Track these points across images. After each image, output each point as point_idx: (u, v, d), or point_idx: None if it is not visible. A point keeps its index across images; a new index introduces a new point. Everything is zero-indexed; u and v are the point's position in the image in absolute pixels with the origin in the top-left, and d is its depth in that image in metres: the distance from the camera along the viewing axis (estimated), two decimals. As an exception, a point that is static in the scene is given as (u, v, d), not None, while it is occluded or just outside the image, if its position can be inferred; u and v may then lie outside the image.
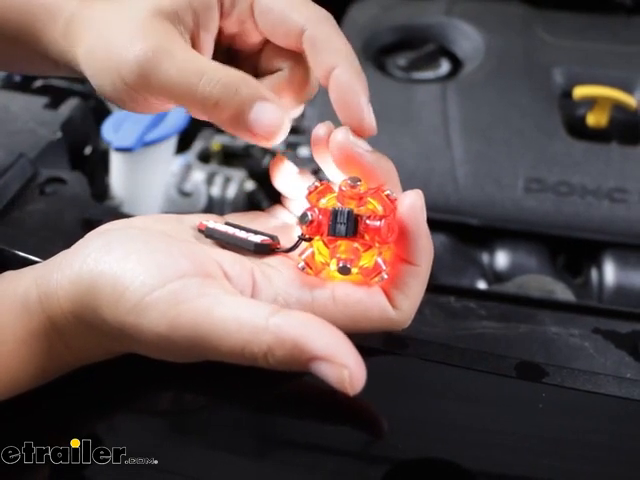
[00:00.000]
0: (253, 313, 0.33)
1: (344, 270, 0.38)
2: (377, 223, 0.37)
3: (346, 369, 0.32)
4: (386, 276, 0.38)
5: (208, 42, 0.43)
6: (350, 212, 0.37)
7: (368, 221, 0.37)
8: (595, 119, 0.87)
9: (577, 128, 0.87)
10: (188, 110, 0.41)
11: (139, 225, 0.39)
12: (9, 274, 0.40)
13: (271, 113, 0.38)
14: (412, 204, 0.37)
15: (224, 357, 0.34)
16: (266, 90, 0.39)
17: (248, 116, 0.38)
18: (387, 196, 0.38)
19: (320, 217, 0.38)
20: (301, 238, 0.39)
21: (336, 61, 0.39)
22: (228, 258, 0.38)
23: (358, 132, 0.39)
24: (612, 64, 0.94)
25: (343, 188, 0.38)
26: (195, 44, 0.42)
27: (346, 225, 0.37)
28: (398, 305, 0.38)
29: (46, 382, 0.39)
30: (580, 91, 0.85)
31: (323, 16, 0.41)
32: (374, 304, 0.38)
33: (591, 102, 0.87)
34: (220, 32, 0.44)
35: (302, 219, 0.38)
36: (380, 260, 0.38)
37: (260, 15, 0.42)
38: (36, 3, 0.45)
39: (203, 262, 0.37)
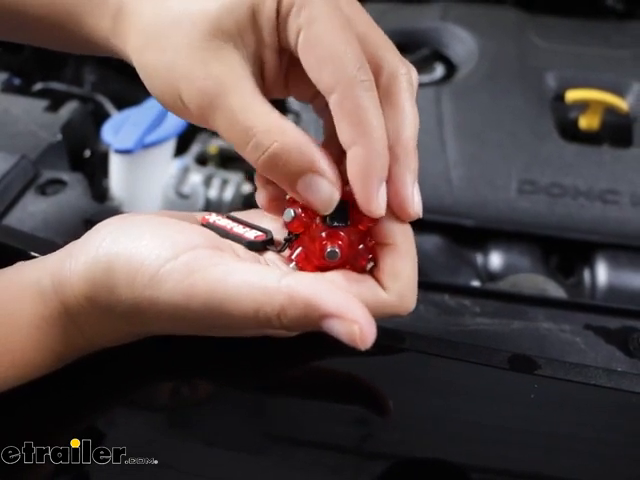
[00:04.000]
0: (265, 276, 0.34)
1: (332, 254, 0.38)
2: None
3: (356, 324, 0.33)
4: (372, 263, 0.39)
5: (272, 59, 0.39)
6: (347, 203, 0.38)
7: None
8: (587, 122, 0.88)
9: (569, 131, 0.88)
10: None
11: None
12: (20, 264, 0.41)
13: (320, 188, 0.37)
14: None
15: (239, 322, 0.35)
16: (322, 158, 0.36)
17: (295, 186, 0.37)
18: None
19: (302, 214, 0.39)
20: (287, 239, 0.40)
21: (354, 138, 0.36)
22: (237, 245, 0.40)
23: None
24: (604, 68, 0.94)
25: None
26: (259, 63, 0.39)
27: (341, 214, 0.38)
28: (388, 286, 0.38)
29: (61, 367, 0.40)
30: (572, 94, 0.86)
31: (357, 79, 0.35)
32: (365, 288, 0.38)
33: (583, 105, 0.88)
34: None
35: (286, 216, 0.39)
36: (363, 247, 0.39)
37: (304, 49, 0.36)
38: None
39: (214, 238, 0.38)
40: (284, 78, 0.41)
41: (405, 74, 0.38)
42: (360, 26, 0.38)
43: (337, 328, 0.33)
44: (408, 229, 0.39)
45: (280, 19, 0.37)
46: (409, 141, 0.38)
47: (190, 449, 0.39)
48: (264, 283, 0.34)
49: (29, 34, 0.49)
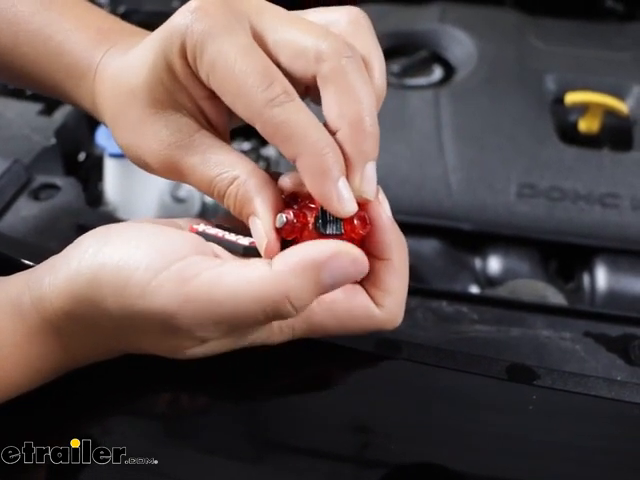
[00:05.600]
0: (255, 267, 0.35)
1: None
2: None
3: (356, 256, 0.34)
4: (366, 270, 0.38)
5: (212, 105, 0.41)
6: None
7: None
8: (587, 125, 0.88)
9: (569, 134, 0.87)
10: None
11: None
12: (1, 279, 0.40)
13: (257, 231, 0.38)
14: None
15: (241, 321, 0.35)
16: (261, 201, 0.38)
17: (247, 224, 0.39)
18: None
19: (295, 220, 0.38)
20: (284, 245, 0.40)
21: (291, 154, 0.36)
22: (219, 248, 0.39)
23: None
24: (604, 70, 0.94)
25: None
26: (200, 112, 0.41)
27: (335, 223, 0.37)
28: (380, 302, 0.39)
29: (43, 384, 0.40)
30: (572, 97, 0.86)
31: (266, 103, 0.36)
32: (357, 302, 0.38)
33: (583, 108, 0.87)
34: None
35: (278, 221, 0.38)
36: None
37: (219, 92, 0.38)
38: (64, 62, 0.46)
39: (199, 243, 0.38)
40: None
41: (331, 55, 0.37)
42: (275, 33, 0.38)
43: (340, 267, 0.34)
44: (404, 244, 0.39)
45: (194, 71, 0.38)
46: (349, 127, 0.37)
47: (190, 450, 0.39)
48: (258, 273, 0.34)
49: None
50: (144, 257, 0.35)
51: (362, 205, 0.38)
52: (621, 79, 0.92)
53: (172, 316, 0.35)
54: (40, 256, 0.41)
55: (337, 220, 0.37)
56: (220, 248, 0.39)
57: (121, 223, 0.40)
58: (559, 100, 0.90)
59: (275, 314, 0.34)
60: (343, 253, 0.34)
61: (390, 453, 0.39)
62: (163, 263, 0.35)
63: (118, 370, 0.41)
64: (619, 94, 0.89)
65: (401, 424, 0.41)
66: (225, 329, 0.36)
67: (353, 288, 0.39)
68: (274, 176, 0.41)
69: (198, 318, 0.35)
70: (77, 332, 0.38)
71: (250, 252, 0.40)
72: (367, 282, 0.39)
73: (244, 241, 0.40)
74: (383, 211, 0.38)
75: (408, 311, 0.40)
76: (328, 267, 0.34)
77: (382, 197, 0.38)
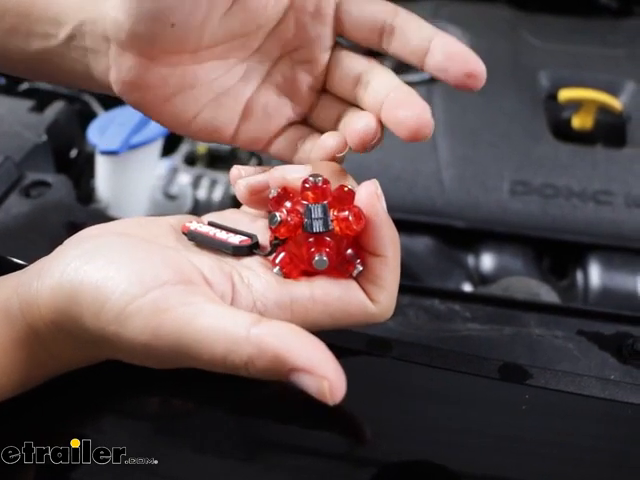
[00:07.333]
0: (234, 323, 0.33)
1: (320, 263, 0.37)
2: (345, 213, 0.37)
3: (326, 380, 0.32)
4: (361, 267, 0.38)
5: None
6: (325, 207, 0.37)
7: (337, 212, 0.37)
8: (580, 122, 0.88)
9: (562, 131, 0.87)
10: None
11: (118, 230, 0.39)
12: None
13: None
14: (368, 194, 0.37)
15: (206, 365, 0.34)
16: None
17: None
18: (349, 191, 0.39)
19: (289, 218, 0.38)
20: (275, 244, 0.39)
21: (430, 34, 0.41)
22: (208, 263, 0.38)
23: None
24: (598, 67, 0.94)
25: (307, 185, 0.38)
26: None
27: (322, 220, 0.37)
28: (375, 298, 0.38)
29: (31, 388, 0.39)
30: (565, 94, 0.86)
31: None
32: (353, 299, 0.38)
33: (576, 105, 0.87)
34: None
35: (271, 221, 0.38)
36: (352, 252, 0.38)
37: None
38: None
39: (184, 269, 0.36)
40: None
41: None
42: None
43: (306, 382, 0.32)
44: (398, 241, 0.39)
45: None
46: None
47: (189, 450, 0.39)
48: (234, 331, 0.33)
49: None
50: (122, 281, 0.34)
51: (354, 200, 0.38)
52: (615, 76, 0.92)
53: (144, 344, 0.34)
54: (31, 255, 0.40)
55: (325, 217, 0.37)
56: (209, 272, 0.38)
57: (109, 231, 0.39)
58: (553, 97, 0.90)
59: (233, 371, 0.34)
60: (320, 377, 0.32)
61: (380, 452, 0.39)
62: (140, 290, 0.34)
63: (118, 370, 0.41)
64: (613, 91, 0.89)
65: (392, 423, 0.41)
66: (191, 364, 0.35)
67: (348, 284, 0.39)
68: (264, 170, 0.41)
69: (165, 351, 0.34)
70: (61, 339, 0.38)
71: (240, 251, 0.40)
72: (362, 278, 0.39)
73: (234, 239, 0.40)
74: (381, 207, 0.38)
75: (400, 309, 0.40)
76: (298, 375, 0.32)
77: (379, 192, 0.38)
